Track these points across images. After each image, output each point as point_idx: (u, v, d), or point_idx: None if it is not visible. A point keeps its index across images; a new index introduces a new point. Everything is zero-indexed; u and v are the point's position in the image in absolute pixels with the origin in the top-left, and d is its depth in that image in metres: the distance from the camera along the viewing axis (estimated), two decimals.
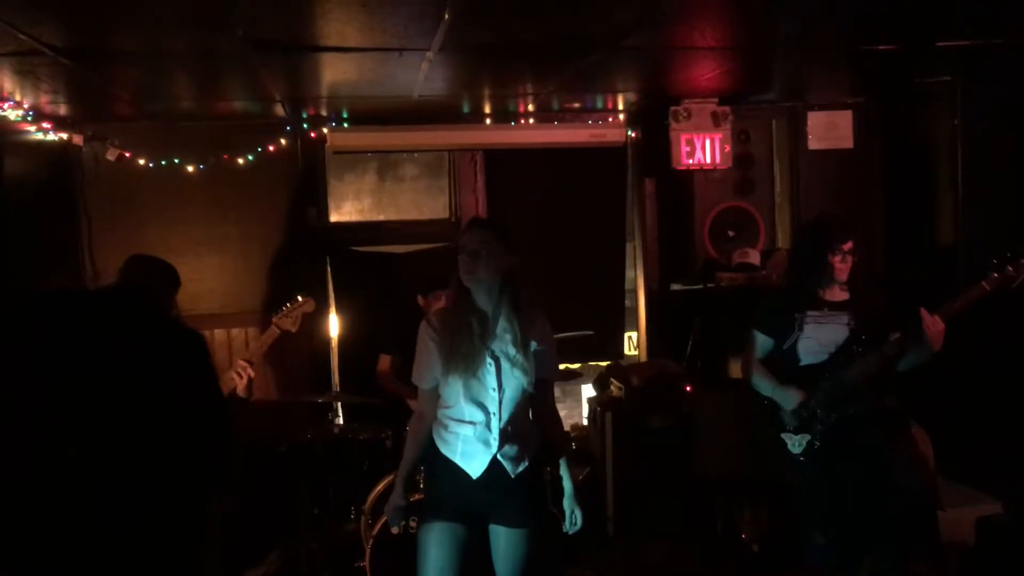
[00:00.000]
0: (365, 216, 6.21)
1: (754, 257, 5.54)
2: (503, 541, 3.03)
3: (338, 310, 5.95)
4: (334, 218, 6.11)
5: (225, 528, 3.71)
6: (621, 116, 6.02)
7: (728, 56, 4.59)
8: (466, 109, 5.79)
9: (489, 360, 3.00)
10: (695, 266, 5.86)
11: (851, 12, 3.73)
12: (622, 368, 5.64)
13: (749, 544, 4.90)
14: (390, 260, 5.99)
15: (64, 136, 5.36)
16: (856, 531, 3.75)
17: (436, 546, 2.95)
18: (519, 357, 3.00)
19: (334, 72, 4.27)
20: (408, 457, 3.17)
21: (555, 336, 5.12)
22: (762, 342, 3.94)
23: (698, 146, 5.58)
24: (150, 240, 5.57)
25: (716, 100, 5.59)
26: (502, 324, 3.02)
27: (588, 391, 5.96)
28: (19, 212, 4.91)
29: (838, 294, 3.81)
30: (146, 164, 5.56)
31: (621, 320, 6.34)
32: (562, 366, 5.64)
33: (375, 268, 5.96)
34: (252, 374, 3.60)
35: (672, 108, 5.55)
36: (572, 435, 5.97)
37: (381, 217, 6.22)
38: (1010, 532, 4.54)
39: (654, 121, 5.78)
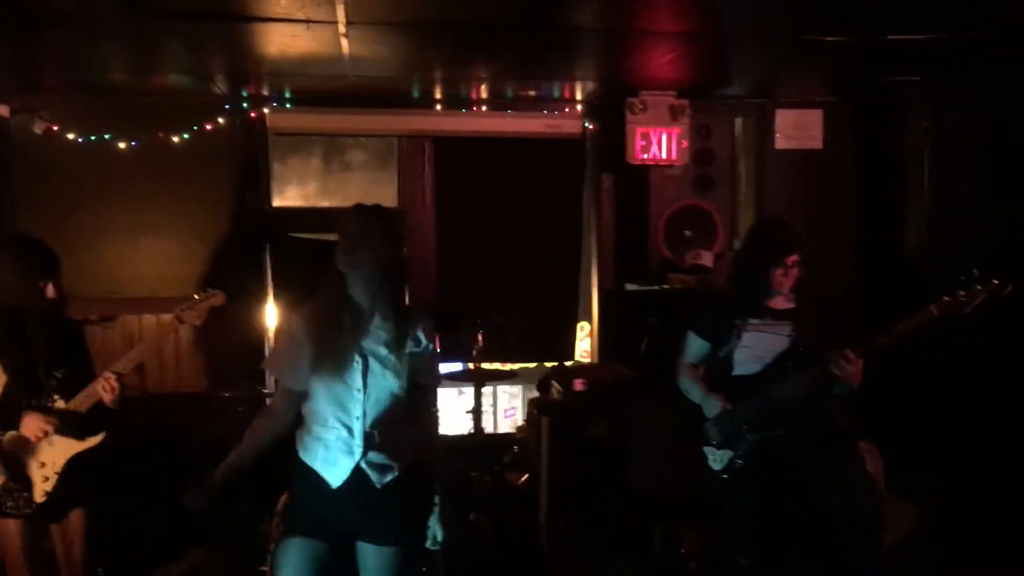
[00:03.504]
0: (309, 202, 5.96)
1: (707, 259, 5.28)
2: (371, 560, 2.78)
3: (276, 299, 5.70)
4: (277, 203, 5.86)
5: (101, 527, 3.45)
6: (579, 107, 5.76)
7: (679, 42, 4.33)
8: (416, 94, 5.54)
9: (357, 359, 2.76)
10: (651, 266, 5.59)
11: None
12: (567, 370, 5.39)
13: (687, 562, 4.64)
14: (332, 248, 5.72)
15: None
16: (782, 556, 3.49)
17: (290, 565, 2.70)
18: (391, 358, 2.78)
19: (252, 45, 4.02)
20: (240, 451, 2.86)
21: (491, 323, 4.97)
22: (698, 346, 3.66)
23: (654, 140, 5.32)
24: (79, 220, 5.38)
25: (674, 93, 5.33)
26: (377, 320, 2.78)
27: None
28: None
29: (783, 303, 3.52)
30: (75, 139, 5.30)
31: (573, 320, 6.08)
32: (508, 366, 5.43)
33: (316, 256, 5.67)
34: (116, 387, 3.29)
35: (628, 99, 5.29)
36: (517, 437, 5.74)
37: (326, 203, 5.96)
38: None
39: (612, 113, 5.52)
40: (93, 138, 5.31)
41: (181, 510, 4.56)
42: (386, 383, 2.78)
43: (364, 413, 2.77)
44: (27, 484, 3.22)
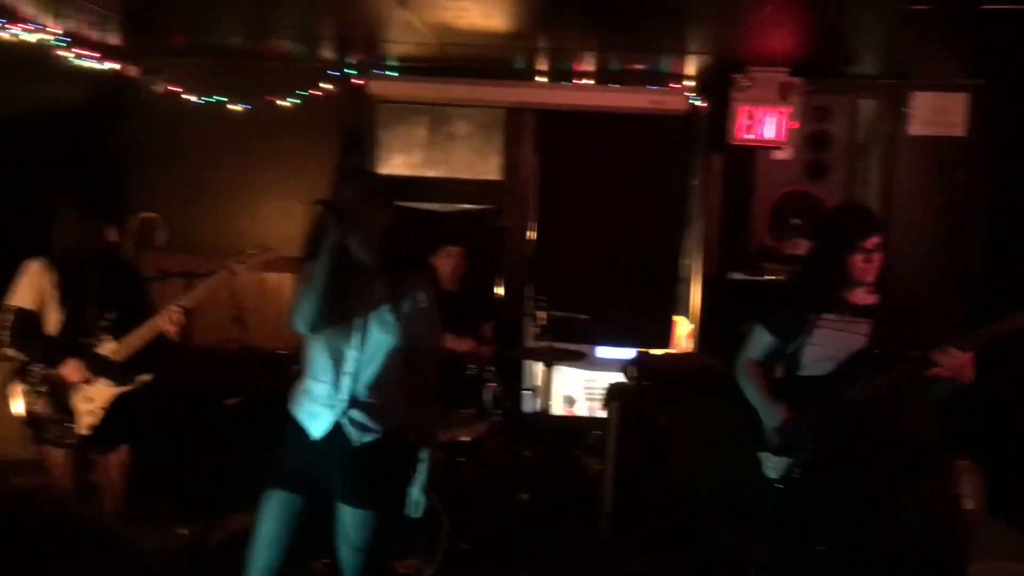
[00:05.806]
0: (415, 171, 5.98)
1: (805, 248, 4.88)
2: (347, 519, 2.78)
3: None
4: (384, 171, 5.93)
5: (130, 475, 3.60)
6: (688, 83, 5.47)
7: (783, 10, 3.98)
8: (519, 65, 5.45)
9: (358, 317, 2.75)
10: (750, 254, 5.27)
11: None
12: (651, 358, 5.15)
13: (754, 566, 4.35)
14: (432, 218, 5.77)
15: (117, 67, 5.43)
16: None
17: (269, 519, 2.74)
18: (390, 318, 2.76)
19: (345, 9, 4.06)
20: None
21: (556, 314, 4.86)
22: (764, 341, 3.36)
23: (759, 120, 4.97)
24: (190, 177, 5.67)
25: (787, 70, 4.96)
26: (379, 280, 2.76)
27: None
28: (64, 141, 5.01)
29: (864, 297, 3.18)
30: (193, 100, 5.56)
31: (671, 307, 5.82)
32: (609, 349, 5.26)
33: (415, 226, 5.74)
34: (181, 319, 3.44)
35: (734, 75, 4.97)
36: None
37: (432, 173, 5.98)
38: None
39: (721, 91, 5.21)
40: (210, 99, 5.56)
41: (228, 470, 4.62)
42: (384, 342, 2.77)
43: (356, 370, 2.76)
44: (72, 417, 3.42)
